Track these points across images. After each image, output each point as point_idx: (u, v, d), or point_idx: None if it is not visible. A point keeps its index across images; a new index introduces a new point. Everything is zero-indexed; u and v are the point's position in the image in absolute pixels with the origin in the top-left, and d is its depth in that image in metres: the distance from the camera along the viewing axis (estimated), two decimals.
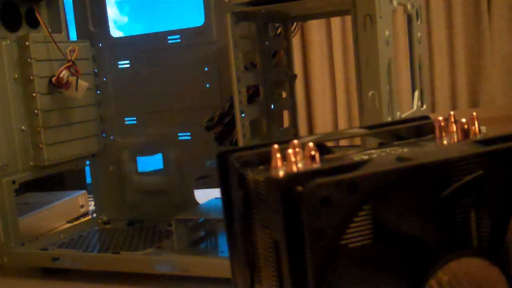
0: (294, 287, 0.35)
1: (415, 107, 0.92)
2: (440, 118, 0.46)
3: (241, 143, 0.80)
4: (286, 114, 1.03)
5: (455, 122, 0.45)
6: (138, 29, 2.35)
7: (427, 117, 0.51)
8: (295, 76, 1.01)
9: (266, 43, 0.91)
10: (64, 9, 1.08)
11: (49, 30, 1.01)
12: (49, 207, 1.23)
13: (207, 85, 1.04)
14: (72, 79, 0.98)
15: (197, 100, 1.05)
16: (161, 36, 1.07)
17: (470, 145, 0.41)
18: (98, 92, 1.12)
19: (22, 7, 1.01)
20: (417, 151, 0.44)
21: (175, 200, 1.10)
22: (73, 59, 0.99)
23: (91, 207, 1.30)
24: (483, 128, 0.46)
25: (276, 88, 0.97)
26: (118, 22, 2.30)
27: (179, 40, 1.06)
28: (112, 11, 2.20)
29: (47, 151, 0.99)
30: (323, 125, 2.25)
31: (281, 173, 0.36)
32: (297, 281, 0.35)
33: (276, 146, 0.39)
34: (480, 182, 0.38)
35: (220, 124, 0.93)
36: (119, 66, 1.12)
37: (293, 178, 0.35)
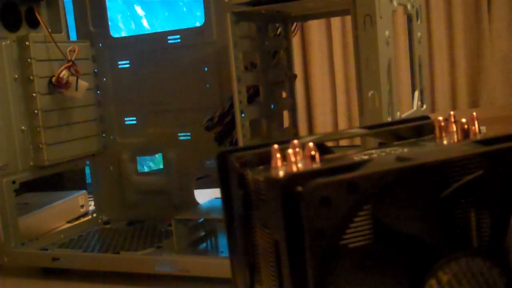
0: (294, 287, 0.35)
1: (415, 107, 0.92)
2: (440, 118, 0.46)
3: (241, 143, 0.80)
4: (286, 114, 1.03)
5: (455, 122, 0.45)
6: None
7: (427, 117, 0.51)
8: (295, 76, 1.01)
9: (266, 43, 0.91)
10: (64, 9, 1.07)
11: (49, 30, 1.01)
12: (49, 207, 1.23)
13: (207, 85, 1.04)
14: (72, 79, 0.98)
15: (197, 100, 1.05)
16: (161, 36, 1.07)
17: (470, 145, 0.41)
18: (98, 92, 1.12)
19: (22, 7, 1.01)
20: (417, 151, 0.43)
21: (175, 200, 1.10)
22: (73, 59, 0.99)
23: (91, 207, 1.30)
24: (483, 128, 0.46)
25: (276, 88, 0.97)
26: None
27: (179, 40, 1.06)
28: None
29: (47, 151, 0.99)
30: (323, 125, 2.25)
31: (281, 173, 0.36)
32: (297, 281, 0.35)
33: (276, 146, 0.39)
34: (480, 182, 0.38)
35: (220, 124, 0.93)
36: (119, 66, 1.12)
37: (293, 178, 0.35)
